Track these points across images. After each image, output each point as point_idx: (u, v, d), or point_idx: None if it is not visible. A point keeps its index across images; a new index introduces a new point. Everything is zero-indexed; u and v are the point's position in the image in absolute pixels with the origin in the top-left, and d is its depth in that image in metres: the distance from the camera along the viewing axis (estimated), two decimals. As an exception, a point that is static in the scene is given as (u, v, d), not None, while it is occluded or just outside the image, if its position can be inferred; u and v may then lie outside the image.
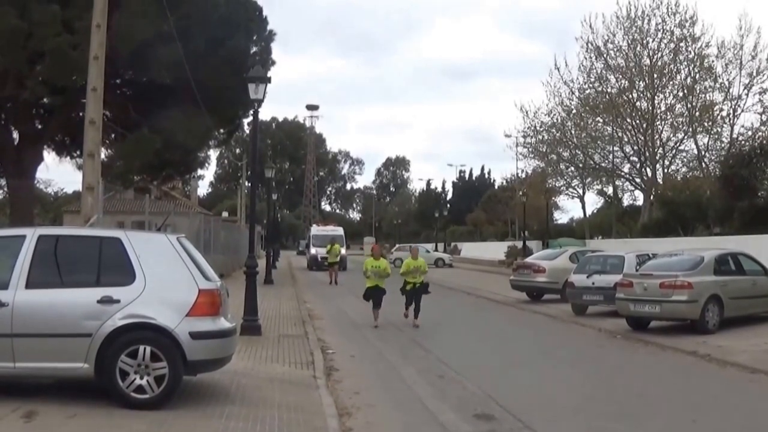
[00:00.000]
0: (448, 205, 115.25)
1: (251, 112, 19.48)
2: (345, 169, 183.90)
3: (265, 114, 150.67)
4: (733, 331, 18.47)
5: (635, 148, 59.14)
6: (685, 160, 59.59)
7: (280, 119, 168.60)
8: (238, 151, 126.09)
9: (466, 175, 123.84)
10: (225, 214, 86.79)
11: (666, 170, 59.63)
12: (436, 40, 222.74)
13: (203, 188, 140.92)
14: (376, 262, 20.87)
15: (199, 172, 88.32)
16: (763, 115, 49.96)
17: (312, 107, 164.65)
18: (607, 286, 21.86)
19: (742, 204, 38.15)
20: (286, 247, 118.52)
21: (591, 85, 59.40)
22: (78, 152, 31.14)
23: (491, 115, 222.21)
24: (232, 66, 29.52)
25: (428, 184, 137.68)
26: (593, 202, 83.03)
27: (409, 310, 21.04)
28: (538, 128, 63.73)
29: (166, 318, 9.28)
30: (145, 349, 9.14)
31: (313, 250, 58.66)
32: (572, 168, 64.43)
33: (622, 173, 62.45)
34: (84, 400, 9.24)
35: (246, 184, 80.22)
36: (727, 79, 54.34)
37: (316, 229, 64.03)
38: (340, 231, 61.95)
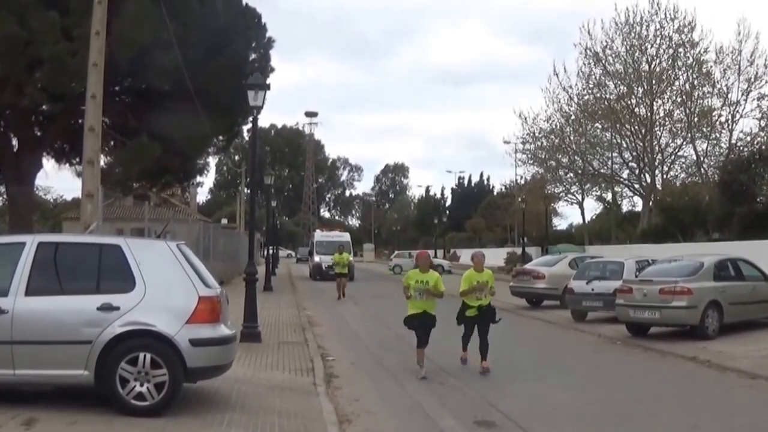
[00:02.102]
0: (447, 212, 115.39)
1: (250, 119, 19.48)
2: (344, 175, 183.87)
3: (263, 121, 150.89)
4: (733, 337, 18.48)
5: (634, 154, 59.17)
6: (683, 165, 59.69)
7: (279, 126, 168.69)
8: (237, 158, 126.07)
9: (465, 182, 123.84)
10: (224, 221, 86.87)
11: (665, 176, 59.70)
12: (435, 46, 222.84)
13: (202, 195, 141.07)
14: (422, 275, 13.97)
15: (198, 179, 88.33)
16: (762, 121, 50.02)
17: (311, 114, 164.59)
18: (607, 292, 21.86)
19: (741, 209, 38.21)
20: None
21: (590, 91, 59.45)
22: (77, 159, 31.21)
23: (490, 122, 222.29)
24: (231, 73, 29.53)
25: (427, 190, 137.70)
26: (592, 208, 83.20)
27: (468, 349, 15.11)
28: (536, 134, 63.76)
29: (166, 325, 9.27)
30: (145, 356, 9.13)
31: (317, 258, 53.05)
32: (571, 174, 64.44)
33: (621, 179, 62.49)
34: (84, 407, 9.23)
35: (245, 191, 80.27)
36: (726, 85, 54.50)
37: (320, 235, 57.64)
38: (347, 237, 55.97)
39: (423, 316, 13.93)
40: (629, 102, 57.68)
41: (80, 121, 23.52)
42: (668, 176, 59.80)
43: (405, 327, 14.62)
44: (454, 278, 56.64)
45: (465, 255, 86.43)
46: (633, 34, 56.65)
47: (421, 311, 13.91)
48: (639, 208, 64.65)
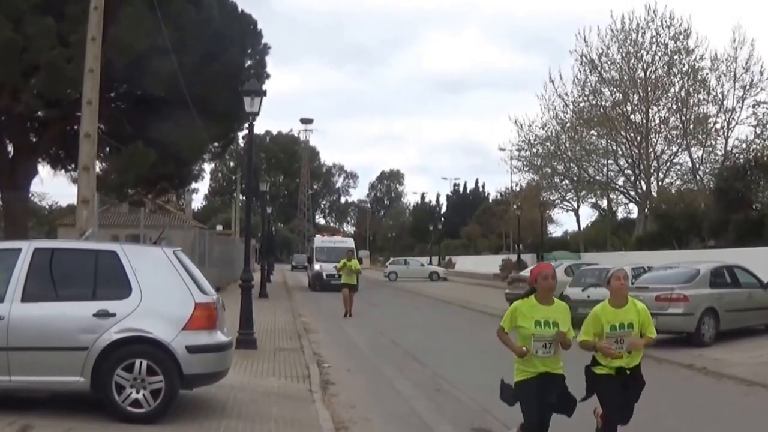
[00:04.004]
0: (443, 219, 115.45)
1: (246, 125, 19.52)
2: (339, 182, 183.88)
3: (259, 127, 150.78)
4: (729, 344, 18.47)
5: (629, 161, 59.19)
6: (679, 173, 59.67)
7: (274, 133, 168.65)
8: (232, 164, 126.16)
9: (461, 189, 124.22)
10: (219, 227, 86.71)
11: (660, 183, 59.67)
12: (430, 53, 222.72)
13: (197, 201, 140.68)
14: (545, 310, 8.06)
15: (194, 185, 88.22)
16: (757, 128, 50.10)
17: (306, 121, 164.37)
18: (603, 299, 21.79)
19: (737, 217, 38.17)
20: (280, 260, 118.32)
21: (585, 98, 59.46)
22: (73, 165, 31.17)
23: (485, 129, 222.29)
24: (226, 79, 29.57)
25: (422, 197, 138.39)
26: (588, 215, 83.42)
27: None
28: (532, 141, 63.73)
29: (162, 332, 9.25)
30: (141, 362, 9.11)
31: (317, 266, 47.50)
32: (566, 181, 64.39)
33: (617, 186, 62.51)
34: (80, 413, 9.20)
35: (240, 197, 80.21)
36: (721, 92, 54.53)
37: (320, 241, 51.70)
38: (350, 242, 49.11)
39: (544, 381, 8.02)
40: (625, 109, 57.71)
41: (76, 127, 23.57)
42: (664, 183, 59.82)
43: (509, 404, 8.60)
44: (453, 285, 56.63)
45: (460, 262, 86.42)
46: (629, 41, 56.72)
47: (539, 373, 7.97)
48: (634, 215, 64.72)
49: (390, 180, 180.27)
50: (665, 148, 58.61)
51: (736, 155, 47.47)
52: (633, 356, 8.32)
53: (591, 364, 8.54)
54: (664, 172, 59.51)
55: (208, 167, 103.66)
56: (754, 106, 51.69)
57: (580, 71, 59.09)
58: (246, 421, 9.88)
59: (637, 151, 57.97)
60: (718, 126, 55.09)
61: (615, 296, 8.67)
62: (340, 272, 28.87)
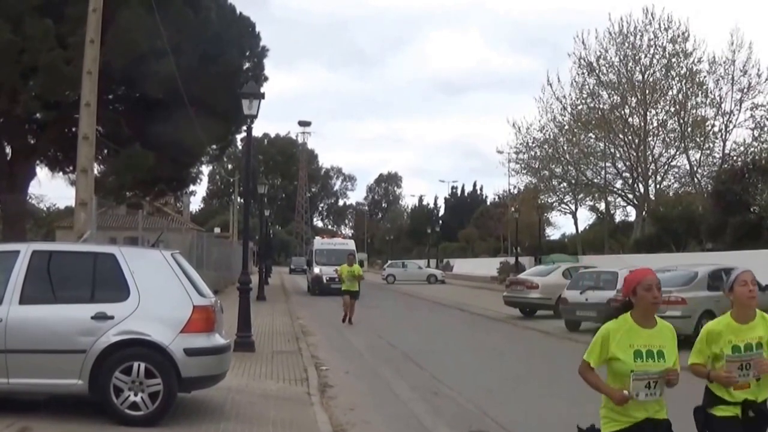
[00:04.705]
0: (440, 222, 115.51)
1: (244, 127, 19.51)
2: (337, 185, 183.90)
3: (257, 130, 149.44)
4: (727, 347, 18.46)
5: (627, 164, 59.20)
6: (677, 175, 59.73)
7: (272, 135, 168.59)
8: (230, 167, 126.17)
9: (458, 191, 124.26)
10: (217, 230, 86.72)
11: (658, 186, 59.74)
12: (429, 55, 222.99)
13: (195, 204, 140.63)
14: (642, 335, 5.68)
15: (192, 187, 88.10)
16: (755, 131, 50.17)
17: (304, 123, 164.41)
18: (601, 302, 21.83)
19: (735, 219, 38.24)
20: (278, 263, 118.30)
21: (583, 101, 59.47)
22: (71, 167, 31.11)
23: (484, 131, 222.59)
24: (225, 82, 29.51)
25: (420, 200, 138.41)
26: (585, 218, 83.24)
27: None
28: (530, 144, 63.71)
29: (160, 334, 9.24)
30: (139, 365, 9.10)
31: (316, 269, 45.82)
32: (564, 184, 64.37)
33: (615, 189, 62.52)
34: (78, 416, 9.20)
35: (238, 200, 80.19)
36: (719, 95, 54.56)
37: (320, 243, 50.09)
38: (351, 245, 48.21)
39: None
40: (623, 112, 57.73)
41: (74, 129, 23.50)
42: (661, 186, 59.90)
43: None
44: (451, 288, 56.60)
45: (458, 265, 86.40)
46: (627, 44, 56.76)
47: (638, 421, 5.90)
48: (632, 218, 64.70)
49: (388, 182, 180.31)
50: (663, 151, 58.69)
51: (734, 158, 47.57)
52: (763, 385, 5.91)
53: (706, 404, 6.21)
54: (662, 174, 59.60)
55: (206, 170, 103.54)
56: (751, 109, 51.77)
57: (578, 74, 59.18)
58: (244, 423, 9.87)
59: (635, 153, 57.99)
60: (715, 129, 55.15)
61: (741, 306, 6.04)
62: (342, 278, 27.29)
